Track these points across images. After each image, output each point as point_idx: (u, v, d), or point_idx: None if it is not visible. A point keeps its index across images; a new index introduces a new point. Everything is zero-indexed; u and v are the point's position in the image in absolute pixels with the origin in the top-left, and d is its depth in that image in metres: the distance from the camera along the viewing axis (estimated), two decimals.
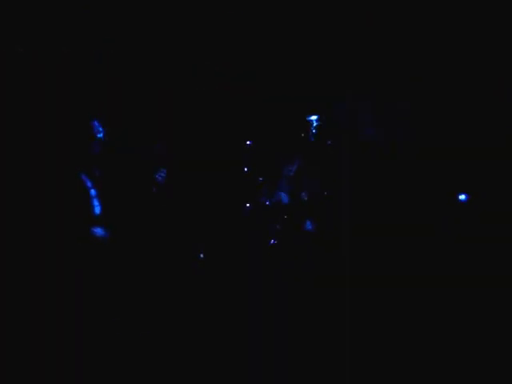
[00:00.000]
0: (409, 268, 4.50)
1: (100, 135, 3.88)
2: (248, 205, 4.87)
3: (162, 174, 3.83)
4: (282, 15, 5.04)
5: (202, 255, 4.59)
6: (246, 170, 4.98)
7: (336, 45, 5.24)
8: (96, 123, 3.89)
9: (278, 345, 3.68)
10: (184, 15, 4.85)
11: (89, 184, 3.84)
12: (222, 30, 5.05)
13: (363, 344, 3.64)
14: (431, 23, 4.88)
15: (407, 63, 5.09)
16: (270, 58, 5.26)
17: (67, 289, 3.83)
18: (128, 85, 4.83)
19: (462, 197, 4.63)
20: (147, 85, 4.94)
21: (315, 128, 4.35)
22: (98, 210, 3.84)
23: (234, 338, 3.82)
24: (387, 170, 4.62)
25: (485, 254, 4.50)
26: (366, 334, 3.76)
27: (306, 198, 4.40)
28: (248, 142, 5.10)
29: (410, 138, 4.94)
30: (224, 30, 5.05)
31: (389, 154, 4.57)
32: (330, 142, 4.37)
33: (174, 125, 4.95)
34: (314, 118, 4.36)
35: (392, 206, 4.74)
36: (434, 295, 4.25)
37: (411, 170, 4.62)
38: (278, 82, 5.34)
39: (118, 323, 3.76)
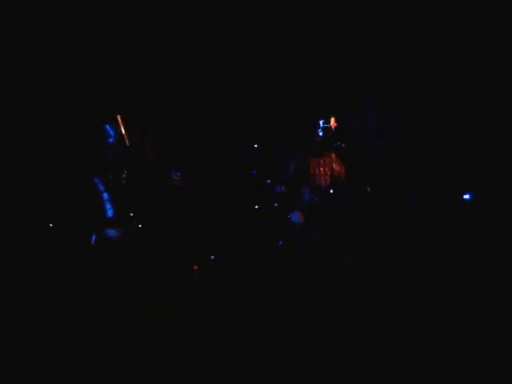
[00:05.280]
0: (412, 268, 4.55)
1: (111, 139, 3.92)
2: (257, 207, 4.92)
3: (175, 178, 3.86)
4: (291, 19, 5.08)
5: (212, 256, 4.62)
6: (254, 172, 5.04)
7: (341, 47, 5.27)
8: (108, 127, 3.93)
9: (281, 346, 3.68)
10: (195, 20, 4.89)
11: (101, 187, 3.89)
12: (230, 32, 5.10)
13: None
14: (431, 26, 4.92)
15: (409, 66, 5.13)
16: (277, 61, 5.30)
17: (78, 289, 3.90)
18: (139, 88, 4.89)
19: (466, 196, 4.66)
20: (158, 88, 4.99)
21: (322, 130, 4.37)
22: (110, 213, 3.88)
23: (238, 339, 3.84)
24: (392, 171, 4.64)
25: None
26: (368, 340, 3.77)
27: (314, 200, 4.41)
28: (256, 145, 5.16)
29: (413, 138, 4.97)
30: (232, 33, 5.10)
31: (392, 155, 4.58)
32: (336, 144, 4.39)
33: (185, 128, 5.01)
34: (321, 121, 4.39)
35: (396, 206, 4.77)
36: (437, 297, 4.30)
37: (415, 169, 4.65)
38: (285, 85, 5.38)
39: (126, 323, 3.79)
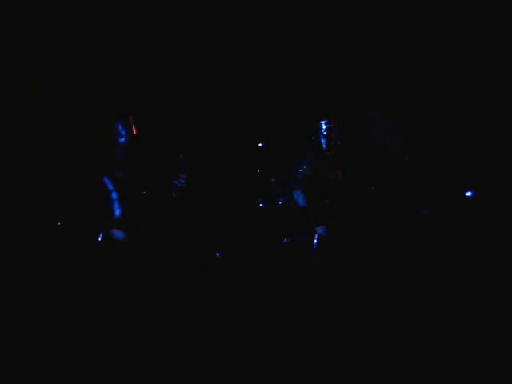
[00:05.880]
0: (415, 267, 4.58)
1: (122, 139, 3.93)
2: (261, 205, 4.94)
3: (182, 181, 3.88)
4: (297, 20, 5.10)
5: (218, 254, 4.64)
6: (258, 171, 5.06)
7: (346, 48, 5.29)
8: (119, 126, 3.93)
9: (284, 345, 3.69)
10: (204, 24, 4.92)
11: (110, 187, 3.89)
12: (233, 33, 5.12)
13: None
14: (433, 27, 4.94)
15: (411, 66, 5.15)
16: (282, 62, 5.32)
17: (82, 288, 3.91)
18: (151, 91, 4.92)
19: (468, 194, 4.67)
20: (169, 91, 5.02)
21: (326, 130, 4.39)
22: (118, 212, 3.89)
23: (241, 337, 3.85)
24: (396, 171, 4.66)
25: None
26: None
27: (316, 199, 4.42)
28: (260, 144, 5.18)
29: (416, 138, 4.98)
30: (236, 34, 5.12)
31: (397, 155, 4.60)
32: (339, 143, 4.40)
33: (191, 128, 5.03)
34: (324, 121, 4.41)
35: (402, 206, 4.78)
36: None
37: (418, 169, 4.67)
38: (289, 85, 5.40)
39: (131, 324, 3.79)
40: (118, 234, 3.84)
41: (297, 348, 3.62)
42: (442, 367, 3.30)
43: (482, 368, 3.25)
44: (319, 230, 4.28)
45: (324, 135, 4.39)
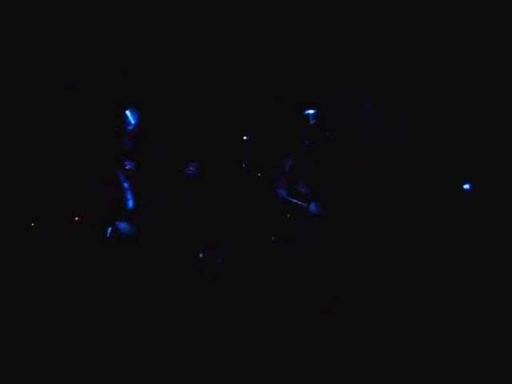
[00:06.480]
0: (409, 262, 4.62)
1: (131, 127, 3.77)
2: (250, 203, 4.89)
3: (192, 169, 3.79)
4: (282, 10, 5.10)
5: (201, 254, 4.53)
6: (244, 165, 5.01)
7: (334, 39, 5.33)
8: (128, 113, 3.78)
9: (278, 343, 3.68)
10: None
11: (122, 177, 3.72)
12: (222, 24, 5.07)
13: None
14: (430, 20, 5.06)
15: (405, 57, 5.19)
16: (267, 52, 5.30)
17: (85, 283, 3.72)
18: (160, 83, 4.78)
19: (466, 186, 4.80)
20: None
21: (313, 122, 4.43)
22: (130, 204, 3.72)
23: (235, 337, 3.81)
24: (388, 164, 4.75)
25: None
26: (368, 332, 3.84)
27: (304, 193, 4.45)
28: (245, 138, 5.13)
29: (410, 131, 5.10)
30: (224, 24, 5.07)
31: (388, 148, 4.69)
32: (328, 135, 4.43)
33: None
34: (311, 112, 4.44)
35: (394, 200, 4.89)
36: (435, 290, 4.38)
37: (411, 164, 4.78)
38: (275, 76, 5.39)
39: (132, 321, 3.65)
40: (125, 226, 3.68)
41: (296, 347, 3.62)
42: (442, 366, 3.35)
43: (482, 367, 3.30)
44: (312, 206, 4.31)
45: (313, 126, 4.42)
